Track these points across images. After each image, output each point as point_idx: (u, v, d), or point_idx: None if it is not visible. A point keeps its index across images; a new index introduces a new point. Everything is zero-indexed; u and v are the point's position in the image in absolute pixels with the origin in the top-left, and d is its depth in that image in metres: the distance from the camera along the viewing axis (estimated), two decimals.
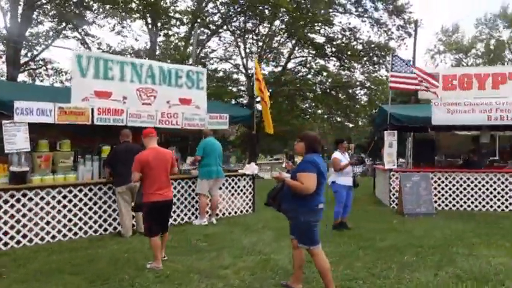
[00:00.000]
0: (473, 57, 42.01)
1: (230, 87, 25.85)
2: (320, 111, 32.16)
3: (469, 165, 10.93)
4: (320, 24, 26.56)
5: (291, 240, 4.02)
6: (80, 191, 6.26)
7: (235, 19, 26.85)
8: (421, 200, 8.47)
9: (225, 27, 27.72)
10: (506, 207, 8.99)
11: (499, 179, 9.06)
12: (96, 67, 6.62)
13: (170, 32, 24.40)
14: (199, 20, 23.77)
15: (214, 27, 26.01)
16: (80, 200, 6.26)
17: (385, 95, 28.21)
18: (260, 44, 29.47)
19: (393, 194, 9.35)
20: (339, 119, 32.33)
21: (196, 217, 7.62)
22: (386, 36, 27.30)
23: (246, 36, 28.85)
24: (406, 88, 9.42)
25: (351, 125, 34.45)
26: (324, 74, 30.07)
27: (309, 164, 3.74)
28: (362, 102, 30.34)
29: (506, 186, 9.01)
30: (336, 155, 6.86)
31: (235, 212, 8.46)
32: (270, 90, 29.75)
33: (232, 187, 8.40)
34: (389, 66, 10.90)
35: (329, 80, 29.29)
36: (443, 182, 9.28)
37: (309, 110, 30.55)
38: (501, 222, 7.65)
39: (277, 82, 28.29)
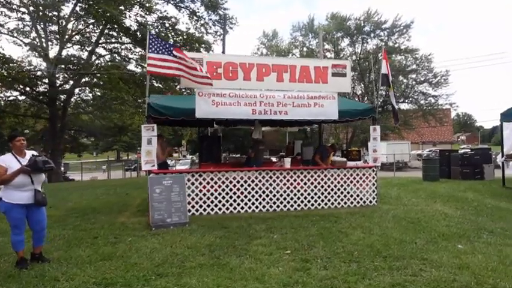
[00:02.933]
0: None
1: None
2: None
3: (248, 162, 10.38)
4: (132, 7, 24.01)
5: None
6: None
7: None
8: (173, 207, 7.04)
9: None
10: (271, 207, 8.45)
11: (263, 177, 8.47)
12: None
13: None
14: None
15: None
16: None
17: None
18: (63, 24, 24.98)
19: None
20: None
21: None
22: (204, 30, 26.64)
23: (47, 13, 23.92)
24: (165, 73, 7.91)
25: None
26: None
27: None
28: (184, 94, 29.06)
29: (271, 185, 8.48)
30: (2, 159, 4.60)
31: None
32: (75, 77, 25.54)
33: None
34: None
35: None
36: (208, 183, 8.17)
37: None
38: (254, 228, 6.81)
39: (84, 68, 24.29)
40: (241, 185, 8.32)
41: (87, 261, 4.97)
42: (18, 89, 25.10)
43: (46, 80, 25.10)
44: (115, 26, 24.02)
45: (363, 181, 9.02)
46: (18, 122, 26.85)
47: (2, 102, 25.83)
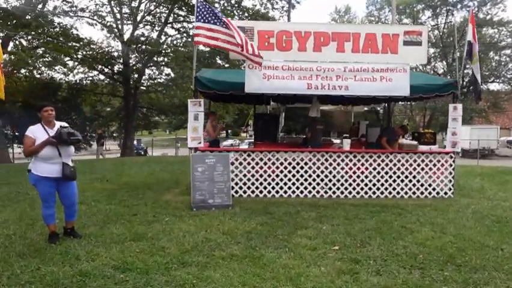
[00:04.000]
0: None
1: (72, 45, 21.48)
2: None
3: (305, 143, 9.63)
4: None
5: None
6: None
7: None
8: (216, 188, 6.57)
9: None
10: (326, 192, 7.62)
11: (318, 160, 7.63)
12: None
13: None
14: None
15: None
16: None
17: None
18: (135, 4, 25.87)
19: None
20: None
21: None
22: (270, 6, 25.82)
23: None
24: (212, 44, 7.33)
25: None
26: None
27: None
28: None
29: (326, 168, 7.62)
30: (31, 130, 4.40)
31: None
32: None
33: None
34: None
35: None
36: (257, 163, 7.56)
37: None
38: (302, 216, 6.08)
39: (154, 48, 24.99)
40: (293, 167, 7.59)
41: (116, 240, 4.68)
42: (98, 68, 26.72)
43: (121, 60, 26.38)
44: (182, 5, 24.18)
45: (438, 169, 7.72)
46: (98, 100, 28.70)
47: (84, 81, 27.78)
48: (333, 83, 7.34)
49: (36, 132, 4.35)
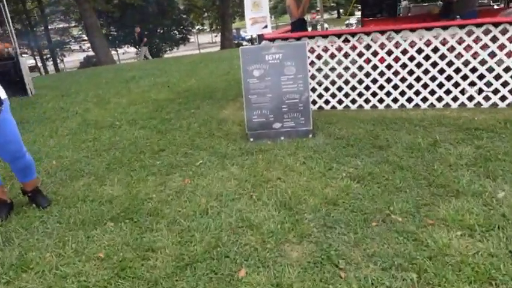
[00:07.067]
0: None
1: None
2: None
3: (445, 12, 6.10)
4: None
5: None
6: None
7: None
8: (285, 103, 3.91)
9: None
10: (488, 99, 4.32)
11: (463, 41, 4.17)
12: None
13: None
14: None
15: None
16: None
17: None
18: None
19: None
20: None
21: None
22: None
23: None
24: None
25: None
26: None
27: None
28: None
29: (488, 56, 4.17)
30: None
31: None
32: None
33: None
34: None
35: None
36: (360, 54, 4.51)
37: None
38: (445, 151, 3.17)
39: None
40: (425, 57, 4.34)
41: (89, 220, 2.65)
42: None
43: None
44: None
45: None
46: None
47: None
48: None
49: None
